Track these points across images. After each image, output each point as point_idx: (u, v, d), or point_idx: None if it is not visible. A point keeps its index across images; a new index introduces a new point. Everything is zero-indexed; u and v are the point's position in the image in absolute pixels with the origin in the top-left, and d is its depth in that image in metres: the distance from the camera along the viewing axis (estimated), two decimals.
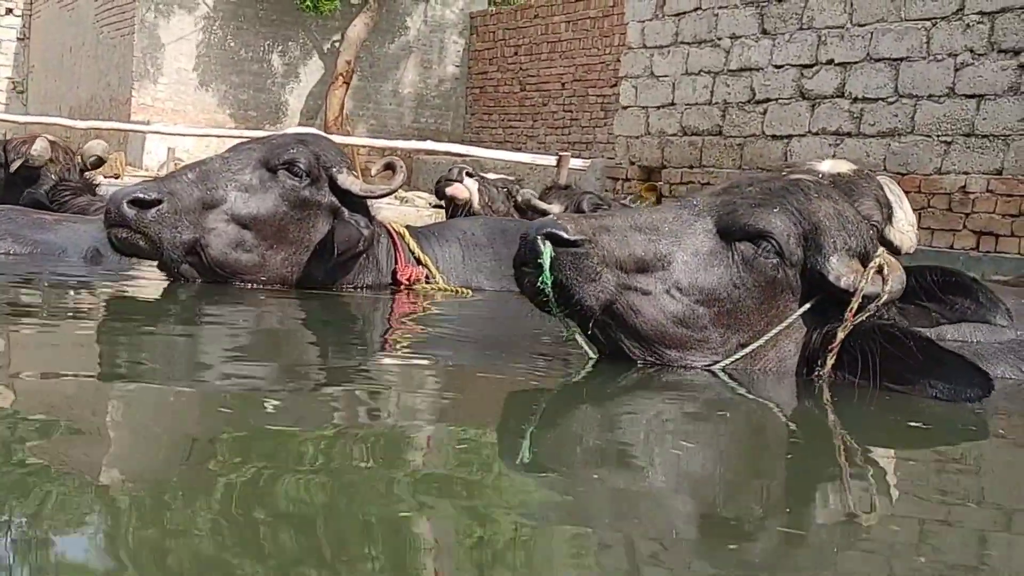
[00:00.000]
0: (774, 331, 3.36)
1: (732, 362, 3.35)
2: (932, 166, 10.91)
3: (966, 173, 10.62)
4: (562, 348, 3.70)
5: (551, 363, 3.65)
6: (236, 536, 1.79)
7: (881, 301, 3.29)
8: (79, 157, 7.49)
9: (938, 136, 10.87)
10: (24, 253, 5.80)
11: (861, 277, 3.29)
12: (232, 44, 22.43)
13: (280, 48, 22.80)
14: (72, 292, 4.96)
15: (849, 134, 11.66)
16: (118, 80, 22.73)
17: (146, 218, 4.74)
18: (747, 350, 3.35)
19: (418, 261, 5.49)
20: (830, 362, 3.31)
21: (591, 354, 3.46)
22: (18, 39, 28.97)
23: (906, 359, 3.21)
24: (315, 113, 22.46)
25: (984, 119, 10.47)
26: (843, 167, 4.40)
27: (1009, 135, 10.27)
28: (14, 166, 7.15)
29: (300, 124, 21.87)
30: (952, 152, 10.76)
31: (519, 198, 8.25)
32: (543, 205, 7.41)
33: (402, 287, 5.33)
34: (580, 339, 3.45)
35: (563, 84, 21.21)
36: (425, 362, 3.73)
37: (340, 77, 21.45)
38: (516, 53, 22.60)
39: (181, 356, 3.55)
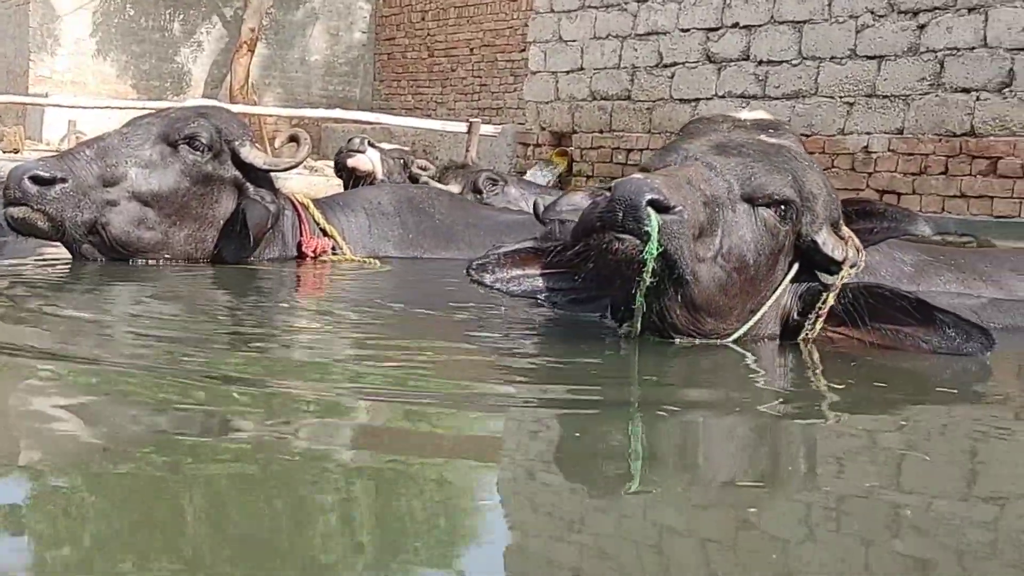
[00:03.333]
0: (774, 296, 3.37)
1: (747, 329, 3.33)
2: (835, 127, 11.09)
3: (868, 133, 10.82)
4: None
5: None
6: (146, 522, 1.76)
7: (860, 268, 3.37)
8: None
9: (841, 97, 11.05)
10: None
11: (847, 247, 3.37)
12: (132, 12, 21.91)
13: (182, 16, 22.33)
14: None
15: (755, 96, 11.79)
16: (14, 52, 22.07)
17: (48, 196, 4.62)
18: (757, 316, 3.33)
19: (324, 232, 5.43)
20: (819, 325, 3.36)
21: (637, 330, 3.26)
22: None
23: (900, 317, 3.30)
24: (220, 82, 22.06)
25: (885, 80, 10.66)
26: (762, 115, 4.45)
27: (909, 95, 10.47)
28: None
29: (204, 93, 21.48)
30: (855, 113, 10.94)
31: (413, 169, 8.17)
32: (444, 187, 7.35)
33: (308, 259, 5.27)
34: (638, 313, 3.20)
35: (471, 49, 21.12)
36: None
37: (245, 45, 21.09)
38: (424, 19, 22.43)
39: (84, 333, 3.47)
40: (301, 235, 5.34)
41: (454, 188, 7.39)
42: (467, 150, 13.37)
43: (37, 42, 21.35)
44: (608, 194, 3.03)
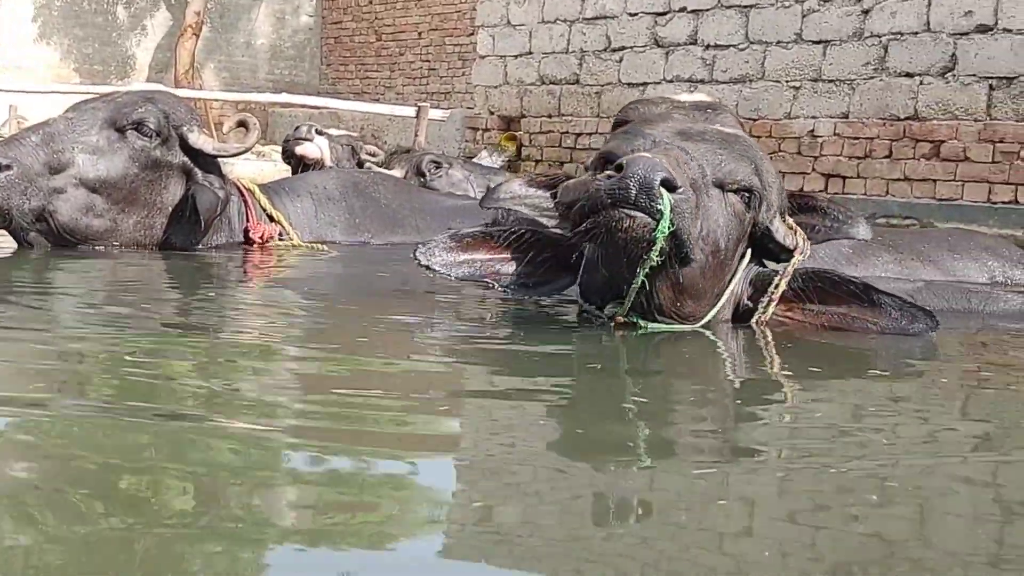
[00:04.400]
0: (735, 281, 3.42)
1: (716, 312, 3.36)
2: (782, 111, 11.19)
3: (814, 117, 10.93)
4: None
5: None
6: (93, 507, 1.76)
7: (807, 256, 3.45)
8: None
9: (787, 81, 11.15)
10: None
11: (796, 235, 3.45)
12: None
13: None
14: None
15: (703, 81, 11.86)
16: None
17: None
18: (723, 300, 3.37)
19: (270, 218, 5.41)
20: (771, 309, 3.42)
21: (626, 310, 3.24)
22: None
23: (847, 300, 3.40)
24: (164, 66, 21.81)
25: (830, 64, 10.77)
26: (701, 97, 4.50)
27: (854, 79, 10.59)
28: None
29: (149, 78, 21.23)
30: (801, 97, 11.05)
31: (362, 155, 8.16)
32: (386, 172, 7.35)
33: (255, 245, 5.25)
34: (632, 293, 3.18)
35: (420, 34, 21.04)
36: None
37: (189, 28, 20.86)
38: (371, 2, 22.31)
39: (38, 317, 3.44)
40: (248, 221, 5.32)
41: (397, 172, 7.39)
42: (416, 135, 13.35)
43: None
44: (613, 173, 3.02)
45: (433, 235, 5.57)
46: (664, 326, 3.29)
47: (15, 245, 4.87)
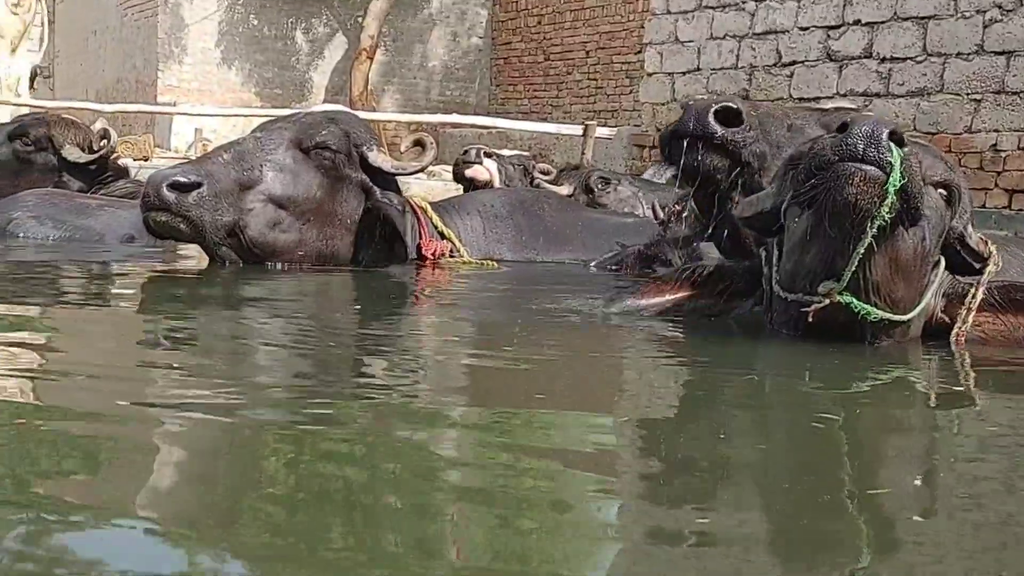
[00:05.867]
0: (934, 286, 3.30)
1: (923, 307, 3.26)
2: (962, 125, 10.82)
3: (997, 131, 10.53)
4: None
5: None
6: (280, 521, 1.83)
7: (1000, 267, 3.38)
8: (89, 139, 7.24)
9: (968, 94, 10.78)
10: (63, 237, 5.90)
11: (989, 244, 3.37)
12: (255, 22, 22.44)
13: (304, 25, 22.79)
14: (110, 276, 5.02)
15: (877, 94, 11.57)
16: (143, 62, 22.79)
17: (187, 201, 4.77)
18: (927, 297, 3.27)
19: (441, 235, 5.53)
20: (971, 320, 3.32)
21: (846, 281, 3.05)
22: (42, 24, 29.01)
23: None
24: (340, 89, 22.44)
25: (1014, 76, 10.37)
26: (845, 104, 4.45)
27: None
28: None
29: (325, 100, 21.88)
30: (982, 110, 10.66)
31: (535, 174, 8.23)
32: (555, 188, 7.40)
33: (427, 262, 5.37)
34: (853, 262, 3.01)
35: (587, 52, 21.11)
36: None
37: (364, 52, 21.41)
38: (539, 22, 22.50)
39: (229, 336, 3.56)
40: (420, 238, 5.44)
41: (565, 189, 7.43)
42: (583, 153, 13.39)
43: (165, 52, 22.00)
44: (835, 133, 2.99)
45: (598, 252, 5.63)
46: (878, 312, 3.11)
47: (203, 261, 5.10)
